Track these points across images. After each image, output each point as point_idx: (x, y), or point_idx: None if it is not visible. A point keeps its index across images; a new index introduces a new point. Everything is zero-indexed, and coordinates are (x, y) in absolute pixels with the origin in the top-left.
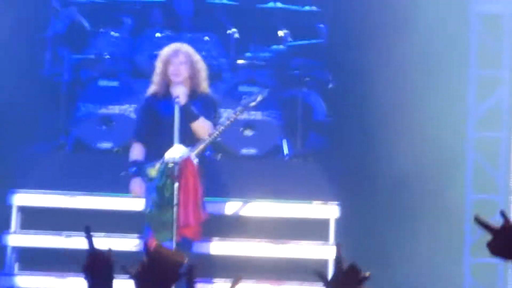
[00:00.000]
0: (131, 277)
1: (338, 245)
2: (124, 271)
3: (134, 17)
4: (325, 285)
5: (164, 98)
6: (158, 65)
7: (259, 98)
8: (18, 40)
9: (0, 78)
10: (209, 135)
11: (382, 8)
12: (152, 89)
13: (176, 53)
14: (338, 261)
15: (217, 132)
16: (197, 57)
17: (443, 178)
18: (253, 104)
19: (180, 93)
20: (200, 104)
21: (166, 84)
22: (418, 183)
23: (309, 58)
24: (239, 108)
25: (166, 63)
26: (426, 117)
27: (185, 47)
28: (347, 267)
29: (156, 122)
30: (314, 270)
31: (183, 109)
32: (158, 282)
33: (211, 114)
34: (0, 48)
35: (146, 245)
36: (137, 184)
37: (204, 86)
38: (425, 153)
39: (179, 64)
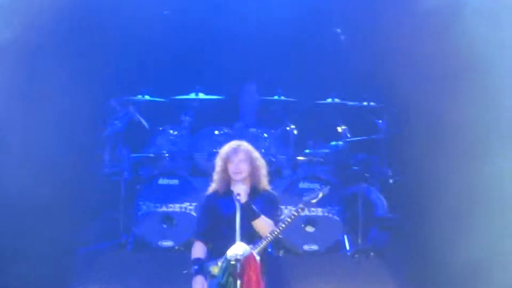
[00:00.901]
0: None
1: None
2: None
3: (192, 114)
4: None
5: (225, 196)
6: (218, 163)
7: (320, 195)
8: (77, 139)
9: (60, 178)
10: (271, 233)
11: (442, 101)
12: (213, 187)
13: (235, 151)
14: None
15: (279, 230)
16: (256, 154)
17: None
18: (314, 201)
19: (240, 191)
20: (261, 202)
21: (227, 182)
22: (488, 273)
23: (369, 154)
24: (300, 205)
25: (226, 161)
26: (495, 203)
27: (245, 145)
28: None
29: (217, 220)
30: None
31: (244, 207)
32: None
33: (272, 211)
34: (59, 147)
35: None
36: (199, 282)
37: (264, 183)
38: (495, 239)
39: (239, 162)
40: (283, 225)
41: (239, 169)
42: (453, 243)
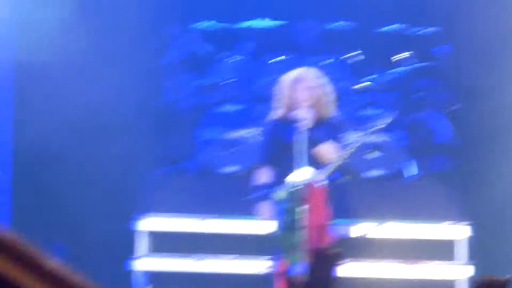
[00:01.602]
0: None
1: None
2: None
3: (255, 41)
4: None
5: (289, 122)
6: (283, 89)
7: (386, 122)
8: (139, 68)
9: (124, 105)
10: (336, 158)
11: (506, 26)
12: (277, 113)
13: (301, 78)
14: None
15: (345, 155)
16: (323, 80)
17: None
18: (381, 127)
19: (305, 117)
20: (326, 128)
21: (291, 108)
22: None
23: (433, 80)
24: (366, 131)
25: (291, 88)
26: None
27: (311, 71)
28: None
29: (282, 146)
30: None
31: (308, 132)
32: None
33: (337, 137)
34: (122, 77)
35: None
36: (265, 207)
37: (330, 109)
38: None
39: (304, 89)
40: (348, 151)
41: (304, 97)
42: None
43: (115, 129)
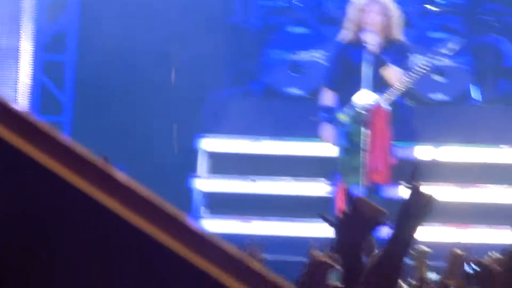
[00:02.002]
0: (331, 225)
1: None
2: (323, 218)
3: None
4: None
5: (357, 45)
6: (352, 12)
7: (454, 48)
8: None
9: (190, 25)
10: (402, 82)
11: None
12: (344, 35)
13: (371, 1)
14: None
15: (410, 80)
16: (392, 4)
17: None
18: (447, 53)
19: (372, 40)
20: (393, 51)
21: (359, 31)
22: None
23: (501, 4)
24: (432, 57)
25: (361, 11)
26: None
27: None
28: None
29: (348, 69)
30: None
31: (375, 56)
32: (357, 230)
33: (404, 61)
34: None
35: (349, 194)
36: (328, 129)
37: (398, 33)
38: None
39: (374, 14)
40: (414, 75)
41: (374, 21)
42: None
43: (180, 48)
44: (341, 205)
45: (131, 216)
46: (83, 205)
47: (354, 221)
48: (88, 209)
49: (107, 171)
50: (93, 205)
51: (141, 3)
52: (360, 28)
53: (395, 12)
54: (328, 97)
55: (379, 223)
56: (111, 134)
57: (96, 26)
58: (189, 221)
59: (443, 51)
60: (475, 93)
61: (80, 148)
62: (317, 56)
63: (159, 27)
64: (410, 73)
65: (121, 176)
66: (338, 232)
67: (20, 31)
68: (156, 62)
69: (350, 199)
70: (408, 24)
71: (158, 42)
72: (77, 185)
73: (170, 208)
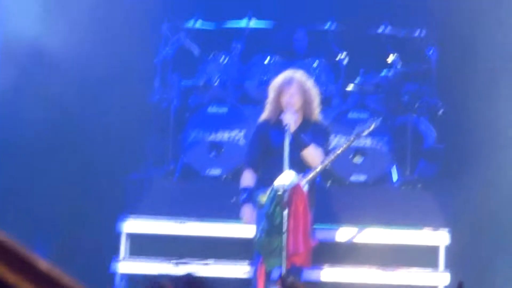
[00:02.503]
0: None
1: (460, 283)
2: None
3: (243, 42)
4: None
5: (276, 125)
6: (271, 93)
7: (372, 127)
8: (127, 66)
9: (110, 104)
10: (321, 163)
11: (493, 32)
12: (264, 115)
13: (289, 82)
14: None
15: (329, 160)
16: (310, 84)
17: None
18: (366, 132)
19: (290, 120)
20: (312, 132)
21: (279, 111)
22: None
23: (419, 84)
24: (352, 137)
25: (279, 93)
26: None
27: (299, 75)
28: None
29: (268, 149)
30: None
31: (294, 136)
32: None
33: (323, 142)
34: (110, 74)
35: (284, 280)
36: (248, 210)
37: (316, 113)
38: None
39: (292, 94)
40: (334, 156)
41: (292, 101)
42: (503, 175)
43: (100, 129)
44: (261, 286)
45: None
46: None
47: None
48: None
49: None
50: None
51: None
52: (280, 109)
53: (314, 93)
54: (248, 178)
55: None
56: (28, 215)
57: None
58: None
59: (363, 131)
60: (394, 174)
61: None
62: (237, 136)
63: (79, 105)
64: (330, 154)
65: (43, 264)
66: None
67: None
68: (76, 143)
69: (285, 283)
70: (328, 103)
71: (79, 122)
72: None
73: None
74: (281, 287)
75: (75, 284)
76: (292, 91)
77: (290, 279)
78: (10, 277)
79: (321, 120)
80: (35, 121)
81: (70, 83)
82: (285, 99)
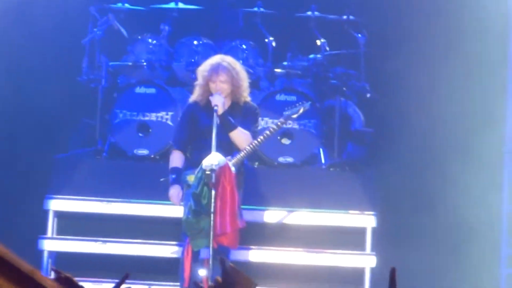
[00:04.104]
0: None
1: (393, 269)
2: (194, 285)
3: (172, 24)
4: None
5: (205, 107)
6: (199, 79)
7: (301, 110)
8: (56, 46)
9: (37, 83)
10: (249, 145)
11: (420, 16)
12: (193, 97)
13: (217, 70)
14: (391, 285)
15: (257, 142)
16: (238, 67)
17: (482, 184)
18: (295, 116)
19: (219, 102)
20: (241, 114)
21: (207, 94)
22: (455, 192)
23: (347, 68)
24: (281, 119)
25: (208, 80)
26: (465, 126)
27: (226, 61)
28: None
29: (196, 130)
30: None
31: (221, 118)
32: None
33: (251, 124)
34: (38, 54)
35: (223, 262)
36: (175, 191)
37: (245, 95)
38: (464, 162)
39: (221, 81)
40: (262, 138)
41: (221, 88)
42: (428, 159)
43: (29, 109)
44: (188, 267)
45: None
46: None
47: None
48: None
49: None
50: None
51: None
52: (208, 92)
53: (243, 76)
54: (176, 158)
55: None
56: None
57: None
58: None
59: (292, 114)
60: (322, 157)
61: None
62: (164, 117)
63: (5, 86)
64: (259, 136)
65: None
66: None
67: None
68: (4, 122)
69: (224, 267)
70: (257, 86)
71: (6, 102)
72: None
73: (27, 266)
74: (221, 269)
75: (8, 253)
76: (221, 79)
77: (228, 262)
78: None
79: (250, 102)
80: None
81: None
82: (213, 86)
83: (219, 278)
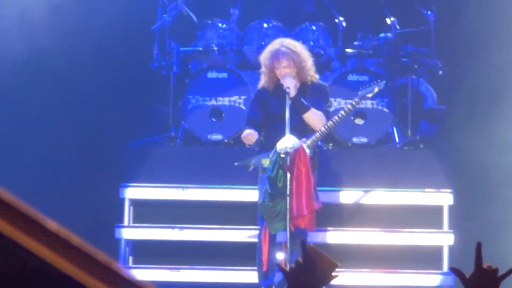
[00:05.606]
0: (285, 275)
1: (479, 244)
2: (279, 268)
3: (241, 8)
4: (462, 281)
5: (275, 92)
6: (263, 67)
7: (376, 89)
8: (127, 33)
9: (110, 72)
10: (325, 126)
11: None
12: (261, 83)
13: (277, 56)
14: (478, 260)
15: (332, 123)
16: (298, 49)
17: None
18: (370, 95)
19: (290, 84)
20: (311, 94)
21: (275, 78)
22: None
23: (418, 46)
24: (355, 99)
25: (271, 67)
26: None
27: (284, 45)
28: (487, 266)
29: (268, 115)
30: (451, 267)
31: (294, 100)
32: (309, 282)
33: (322, 103)
34: (109, 42)
35: (304, 243)
36: (251, 132)
37: (312, 74)
38: None
39: (284, 67)
40: (337, 118)
41: (285, 73)
42: (503, 134)
43: (101, 97)
44: (265, 251)
45: (62, 264)
46: (13, 251)
47: (308, 272)
48: (16, 254)
49: (36, 218)
50: (23, 252)
51: (60, 44)
52: (274, 77)
53: (305, 56)
54: (251, 136)
55: (332, 276)
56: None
57: None
58: (122, 269)
59: (367, 93)
60: (396, 136)
61: (7, 195)
62: (237, 101)
63: (81, 71)
64: (334, 117)
65: (51, 224)
66: (291, 283)
67: None
68: (77, 111)
69: (305, 249)
70: (328, 67)
71: (79, 91)
72: (6, 232)
73: (103, 256)
74: (301, 251)
75: (84, 244)
76: (283, 64)
77: (308, 243)
78: (18, 235)
79: (318, 81)
80: (39, 91)
81: (68, 51)
82: (278, 72)
83: (300, 259)
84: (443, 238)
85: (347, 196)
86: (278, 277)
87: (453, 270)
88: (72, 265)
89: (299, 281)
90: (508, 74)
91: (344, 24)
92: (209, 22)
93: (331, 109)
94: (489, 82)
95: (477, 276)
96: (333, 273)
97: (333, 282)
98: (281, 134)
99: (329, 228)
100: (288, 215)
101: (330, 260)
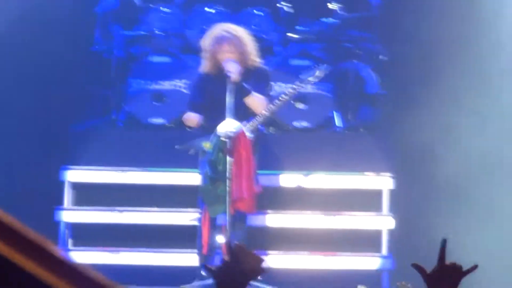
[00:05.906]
0: (213, 275)
1: (444, 240)
2: (205, 269)
3: None
4: (423, 277)
5: (216, 76)
6: (205, 52)
7: (317, 73)
8: (69, 16)
9: (51, 54)
10: (266, 110)
11: None
12: (204, 66)
13: (219, 41)
14: (441, 255)
15: (273, 107)
16: (239, 33)
17: (502, 153)
18: (311, 79)
19: (232, 69)
20: (253, 78)
21: (218, 61)
22: (474, 154)
23: (361, 31)
24: (297, 83)
25: (213, 52)
26: (482, 88)
27: (226, 29)
28: (449, 263)
29: (210, 99)
30: (413, 264)
31: (235, 84)
32: (237, 279)
33: (264, 87)
34: (51, 24)
35: (228, 245)
36: (192, 115)
37: (254, 58)
38: (481, 125)
39: (226, 51)
40: (278, 102)
41: (227, 57)
42: (444, 119)
43: (42, 79)
44: (206, 234)
45: None
46: None
47: (235, 270)
48: None
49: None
50: None
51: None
52: (217, 62)
53: (247, 40)
54: (192, 119)
55: (259, 271)
56: None
57: None
58: (58, 250)
59: (309, 78)
60: (337, 120)
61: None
62: (179, 85)
63: (18, 55)
64: (275, 100)
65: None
66: (218, 282)
67: None
68: (18, 93)
69: (230, 248)
70: (270, 51)
71: (18, 69)
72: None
73: (38, 237)
74: (226, 252)
75: (20, 224)
76: (225, 49)
77: (234, 244)
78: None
79: (260, 66)
80: None
81: (8, 32)
82: (220, 56)
83: (227, 258)
84: (383, 222)
85: (287, 179)
86: (217, 260)
87: (415, 266)
88: (7, 246)
89: (229, 278)
90: (446, 59)
91: (286, 8)
92: (152, 6)
93: (273, 93)
94: (429, 67)
95: (439, 272)
96: (261, 267)
97: (273, 266)
98: (222, 117)
99: (269, 211)
100: (228, 198)
101: (256, 256)
